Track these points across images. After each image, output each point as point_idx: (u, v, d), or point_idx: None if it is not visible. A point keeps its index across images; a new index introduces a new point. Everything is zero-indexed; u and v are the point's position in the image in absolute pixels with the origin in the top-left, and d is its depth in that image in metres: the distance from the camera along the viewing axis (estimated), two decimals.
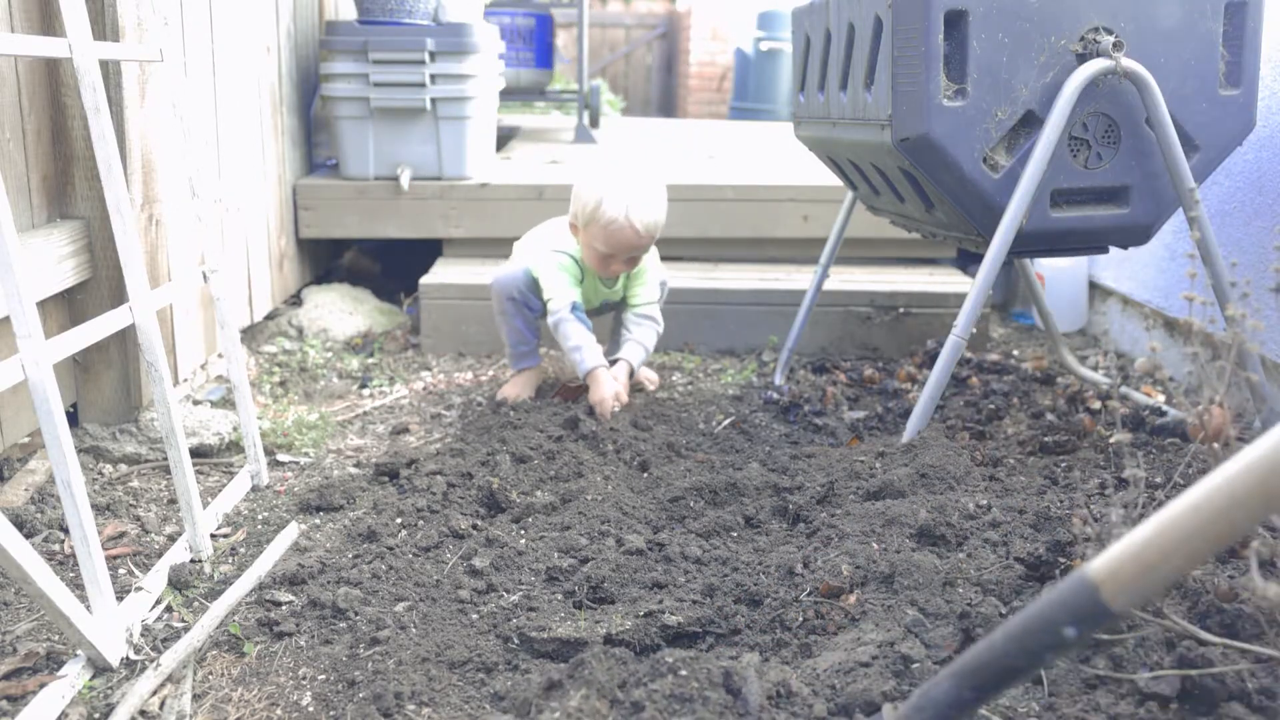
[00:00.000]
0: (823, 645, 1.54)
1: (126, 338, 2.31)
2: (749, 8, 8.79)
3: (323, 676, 1.54)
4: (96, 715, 1.47)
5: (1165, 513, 0.97)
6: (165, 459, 2.34)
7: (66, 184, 2.26)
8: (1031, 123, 2.16)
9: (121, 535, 2.03)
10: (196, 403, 2.67)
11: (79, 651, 1.55)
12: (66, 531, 1.99)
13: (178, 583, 1.82)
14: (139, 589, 1.75)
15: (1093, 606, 0.97)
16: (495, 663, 1.56)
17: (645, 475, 2.25)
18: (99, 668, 1.56)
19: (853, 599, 1.63)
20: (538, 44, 5.94)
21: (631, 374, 2.76)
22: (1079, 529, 1.67)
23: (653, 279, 2.90)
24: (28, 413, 2.15)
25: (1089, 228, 2.24)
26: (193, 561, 1.91)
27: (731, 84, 9.22)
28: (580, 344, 2.66)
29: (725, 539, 1.94)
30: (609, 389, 2.59)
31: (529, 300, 2.80)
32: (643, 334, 2.83)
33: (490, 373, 3.20)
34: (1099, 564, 0.98)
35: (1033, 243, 2.25)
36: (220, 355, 2.89)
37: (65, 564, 1.90)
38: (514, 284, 2.78)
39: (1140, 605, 1.00)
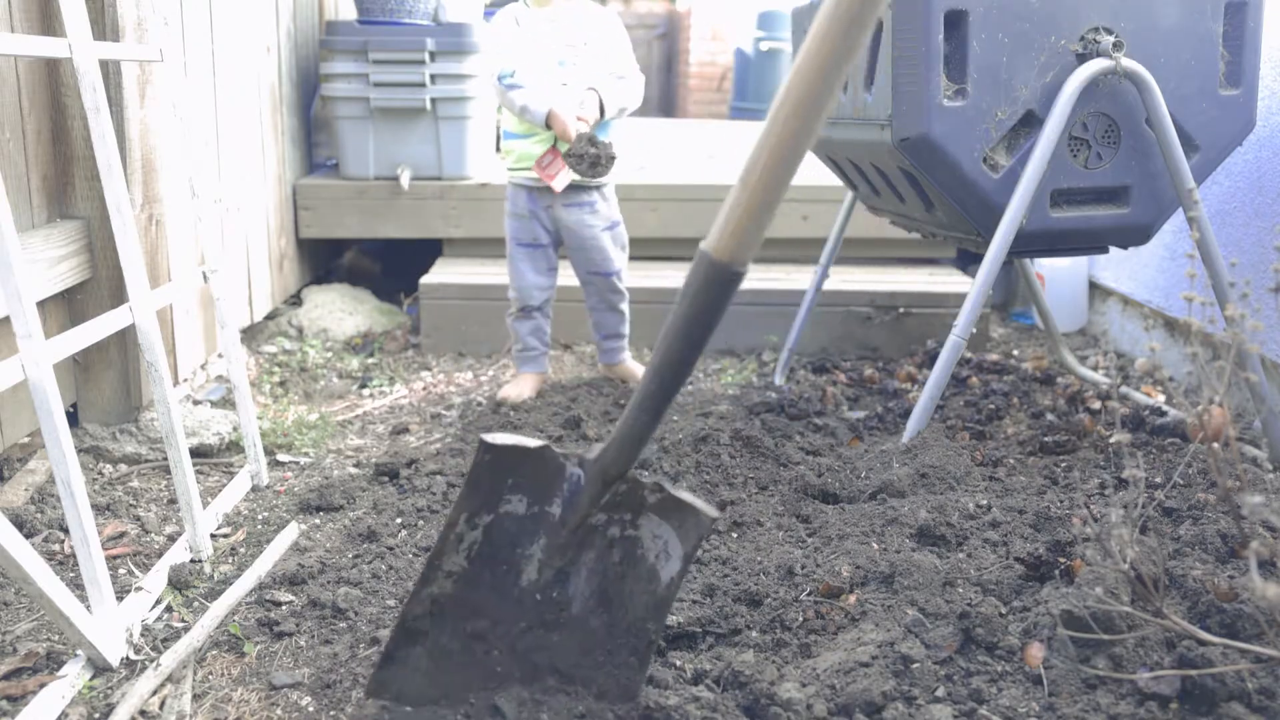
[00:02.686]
0: (823, 645, 1.54)
1: (126, 338, 2.31)
2: (749, 8, 8.79)
3: (323, 676, 1.54)
4: (96, 715, 1.47)
5: (744, 168, 1.20)
6: (165, 459, 2.34)
7: (66, 184, 2.26)
8: (1031, 123, 2.16)
9: (121, 535, 2.03)
10: (196, 403, 2.67)
11: (79, 651, 1.55)
12: (66, 531, 1.99)
13: (178, 583, 1.82)
14: (139, 589, 1.75)
15: (710, 269, 1.25)
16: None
17: (644, 475, 2.25)
18: (99, 668, 1.56)
19: (853, 599, 1.63)
20: None
21: (602, 109, 2.66)
22: (1079, 529, 1.67)
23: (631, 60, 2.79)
24: (28, 413, 2.15)
25: (1089, 228, 2.24)
26: (193, 561, 1.91)
27: (731, 84, 9.22)
28: (526, 101, 2.61)
29: (725, 539, 1.94)
30: (569, 115, 2.56)
31: (546, 311, 2.85)
32: (620, 84, 2.72)
33: (490, 373, 3.20)
34: (709, 236, 1.24)
35: (1033, 243, 2.25)
36: (220, 355, 2.89)
37: (65, 564, 1.90)
38: (534, 297, 2.81)
39: (746, 254, 1.24)
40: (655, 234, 3.72)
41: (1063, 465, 2.18)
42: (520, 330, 2.87)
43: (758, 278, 3.51)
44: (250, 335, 3.36)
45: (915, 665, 1.42)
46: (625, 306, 2.90)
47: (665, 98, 12.13)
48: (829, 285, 3.09)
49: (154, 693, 1.51)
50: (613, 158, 2.61)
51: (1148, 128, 2.17)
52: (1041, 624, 1.45)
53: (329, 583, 1.79)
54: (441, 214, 3.70)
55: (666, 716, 1.36)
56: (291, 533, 2.01)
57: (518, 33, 2.70)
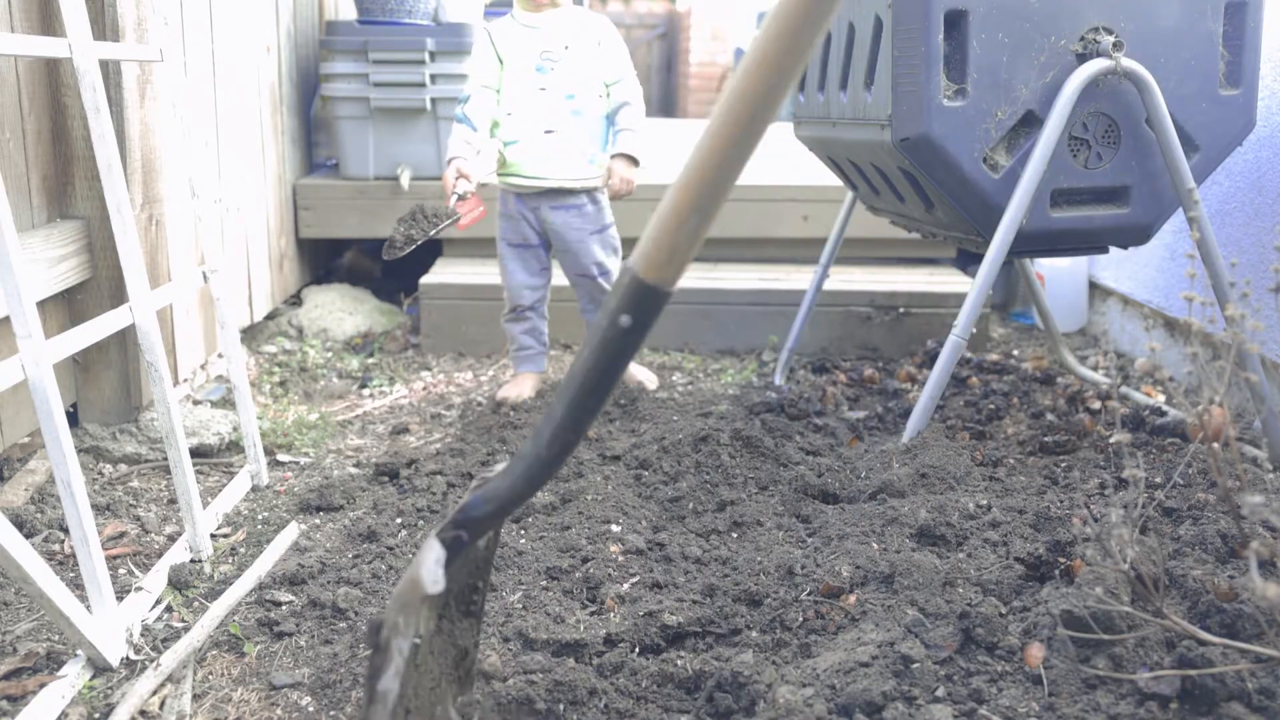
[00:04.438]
0: (823, 645, 1.54)
1: (126, 338, 2.31)
2: (749, 8, 8.80)
3: (323, 676, 1.54)
4: (96, 715, 1.47)
5: (673, 188, 1.08)
6: (165, 459, 2.34)
7: (66, 184, 2.26)
8: (1031, 123, 2.16)
9: (121, 535, 2.03)
10: (196, 403, 2.67)
11: (79, 651, 1.55)
12: (66, 531, 1.99)
13: (178, 583, 1.82)
14: (139, 589, 1.75)
15: (637, 287, 1.10)
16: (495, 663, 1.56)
17: (645, 475, 2.25)
18: (99, 668, 1.56)
19: (853, 599, 1.63)
20: None
21: (635, 163, 2.72)
22: (1079, 529, 1.67)
23: (624, 63, 2.79)
24: (28, 413, 2.15)
25: (1089, 228, 2.24)
26: (193, 561, 1.91)
27: None
28: (450, 142, 2.67)
29: (725, 539, 1.94)
30: (450, 175, 2.61)
31: (541, 310, 2.86)
32: (627, 118, 2.75)
33: (490, 373, 3.20)
34: (633, 257, 1.11)
35: (1033, 243, 2.25)
36: (220, 355, 2.89)
37: (65, 564, 1.90)
38: (524, 297, 2.82)
39: (675, 275, 1.09)
40: None
41: (1063, 465, 2.18)
42: (514, 331, 2.87)
43: (758, 277, 3.51)
44: (250, 335, 3.36)
45: (915, 665, 1.42)
46: None
47: (665, 98, 12.14)
48: (829, 285, 3.09)
49: (154, 693, 1.51)
50: (411, 242, 2.58)
51: (1148, 128, 2.17)
52: (1041, 624, 1.45)
53: (329, 583, 1.79)
54: None
55: None
56: (291, 533, 2.01)
57: (487, 52, 2.72)
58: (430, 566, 1.17)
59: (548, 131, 2.69)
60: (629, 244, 3.42)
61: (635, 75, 2.81)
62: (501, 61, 2.71)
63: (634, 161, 2.73)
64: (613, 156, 2.73)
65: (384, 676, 1.13)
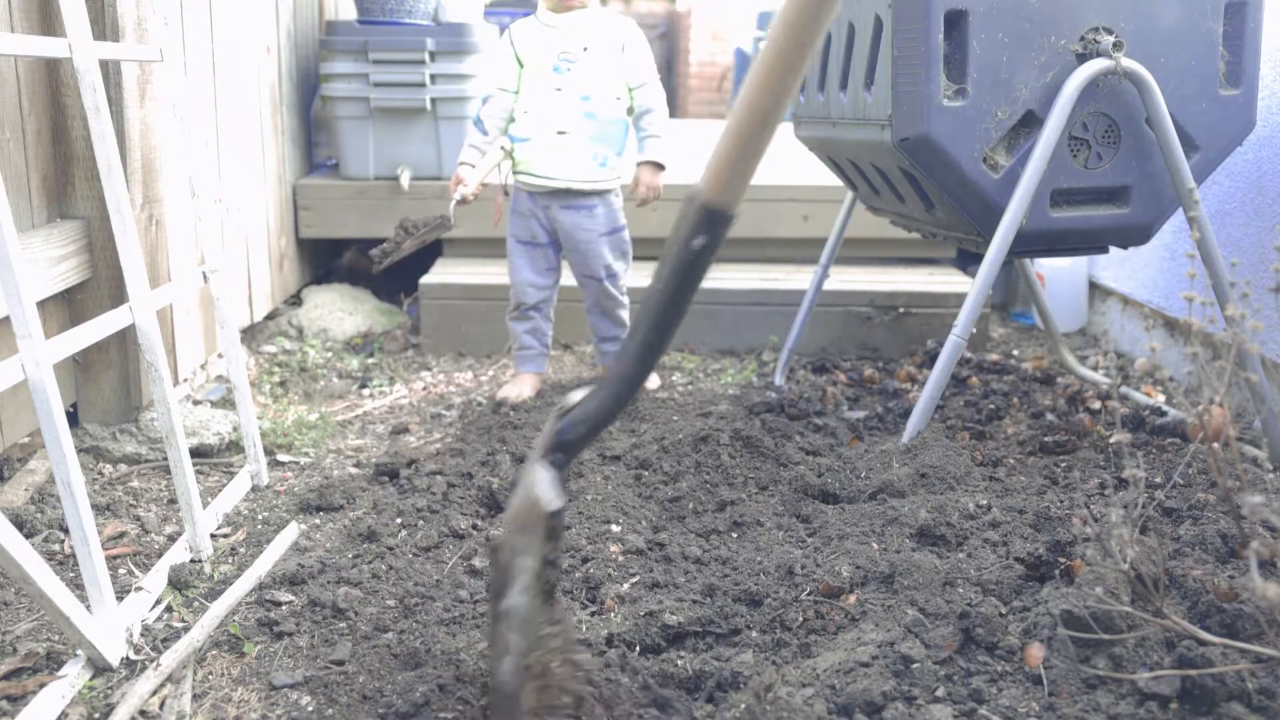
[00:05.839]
0: (823, 645, 1.54)
1: (126, 338, 2.31)
2: (749, 8, 8.80)
3: (323, 676, 1.54)
4: (96, 715, 1.47)
5: (729, 121, 1.20)
6: (165, 459, 2.34)
7: (66, 184, 2.26)
8: (1031, 123, 2.16)
9: (121, 535, 2.03)
10: (196, 403, 2.67)
11: (79, 651, 1.55)
12: (66, 531, 1.99)
13: (178, 583, 1.82)
14: (139, 589, 1.75)
15: (704, 213, 1.25)
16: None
17: (645, 475, 2.25)
18: (99, 668, 1.56)
19: (853, 599, 1.63)
20: None
21: (661, 169, 2.79)
22: (1079, 529, 1.67)
23: (647, 67, 2.81)
24: (28, 413, 2.15)
25: (1089, 228, 2.24)
26: (193, 561, 1.91)
27: (731, 84, 9.22)
28: (465, 144, 2.76)
29: (725, 539, 1.94)
30: (454, 183, 2.70)
31: (546, 312, 2.87)
32: (652, 124, 2.81)
33: (490, 373, 3.20)
34: (699, 183, 1.25)
35: (1033, 243, 2.25)
36: (220, 355, 2.89)
37: (65, 564, 1.90)
38: (529, 295, 2.83)
39: (736, 198, 1.23)
40: (656, 234, 3.72)
41: (1063, 465, 2.18)
42: (517, 329, 2.87)
43: (758, 277, 3.51)
44: (250, 335, 3.36)
45: (915, 665, 1.42)
46: (624, 313, 2.90)
47: (665, 98, 12.13)
48: (829, 285, 3.09)
49: (154, 693, 1.51)
50: (385, 255, 2.73)
51: (1148, 128, 2.17)
52: (1041, 624, 1.45)
53: (329, 583, 1.79)
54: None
55: None
56: (291, 533, 2.01)
57: (506, 53, 2.76)
58: (546, 486, 1.20)
59: (560, 132, 2.70)
60: (639, 244, 3.46)
61: (659, 81, 2.82)
62: (520, 62, 2.74)
63: (660, 168, 2.77)
64: (639, 164, 2.76)
65: (510, 593, 1.13)
